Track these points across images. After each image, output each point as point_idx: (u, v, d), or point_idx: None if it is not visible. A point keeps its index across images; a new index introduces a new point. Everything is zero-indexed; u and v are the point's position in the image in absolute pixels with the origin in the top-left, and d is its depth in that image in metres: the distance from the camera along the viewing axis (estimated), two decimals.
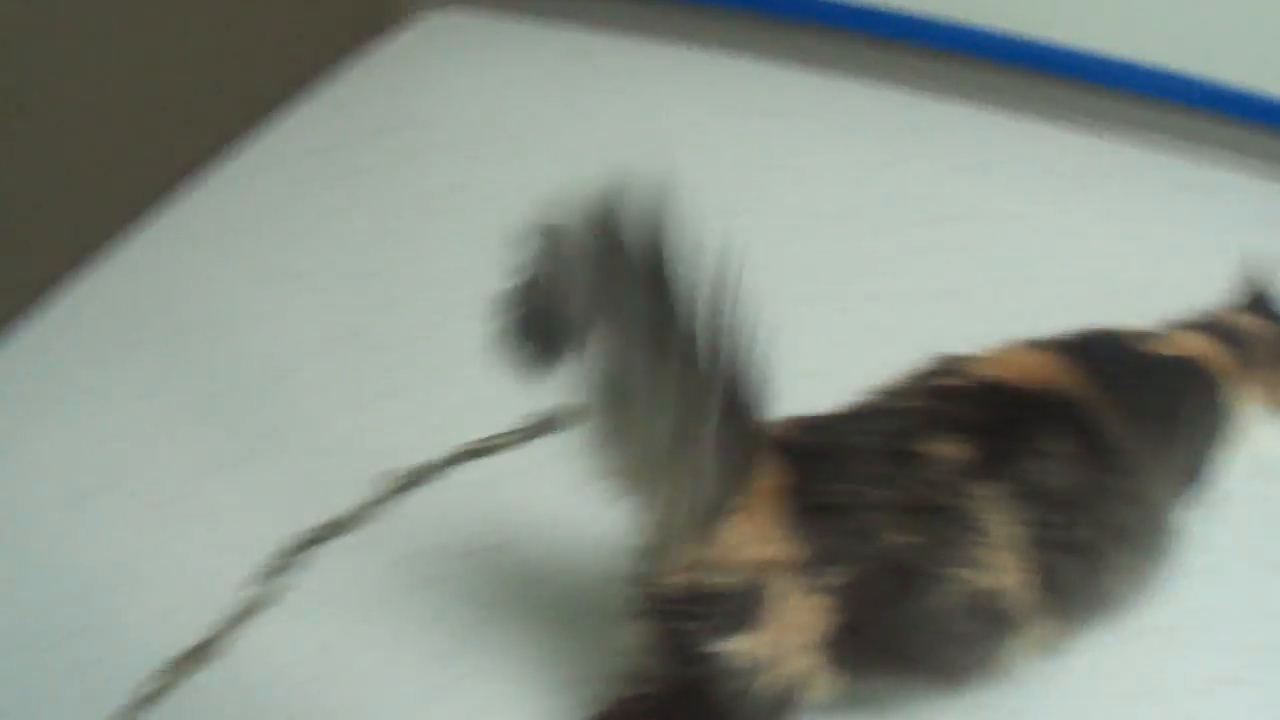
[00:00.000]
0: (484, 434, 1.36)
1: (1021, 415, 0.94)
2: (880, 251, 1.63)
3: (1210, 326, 1.08)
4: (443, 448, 1.35)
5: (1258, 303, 1.13)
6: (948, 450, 0.90)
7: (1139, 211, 1.69)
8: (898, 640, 0.93)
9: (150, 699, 1.14)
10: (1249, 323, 1.09)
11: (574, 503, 0.94)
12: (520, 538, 1.28)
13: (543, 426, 1.34)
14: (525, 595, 1.24)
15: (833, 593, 0.88)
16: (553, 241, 0.83)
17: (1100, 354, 1.01)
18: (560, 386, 0.87)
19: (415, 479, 1.34)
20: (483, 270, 0.83)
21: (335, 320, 1.57)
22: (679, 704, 0.93)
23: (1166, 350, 1.04)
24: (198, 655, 1.18)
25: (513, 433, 1.36)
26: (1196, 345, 1.05)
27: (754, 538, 0.88)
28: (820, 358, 1.21)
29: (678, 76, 1.99)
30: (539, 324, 0.86)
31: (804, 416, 0.94)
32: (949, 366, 0.98)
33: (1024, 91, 1.85)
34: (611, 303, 0.82)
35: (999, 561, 0.90)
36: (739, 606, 0.88)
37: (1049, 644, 0.97)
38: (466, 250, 1.43)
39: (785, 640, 0.89)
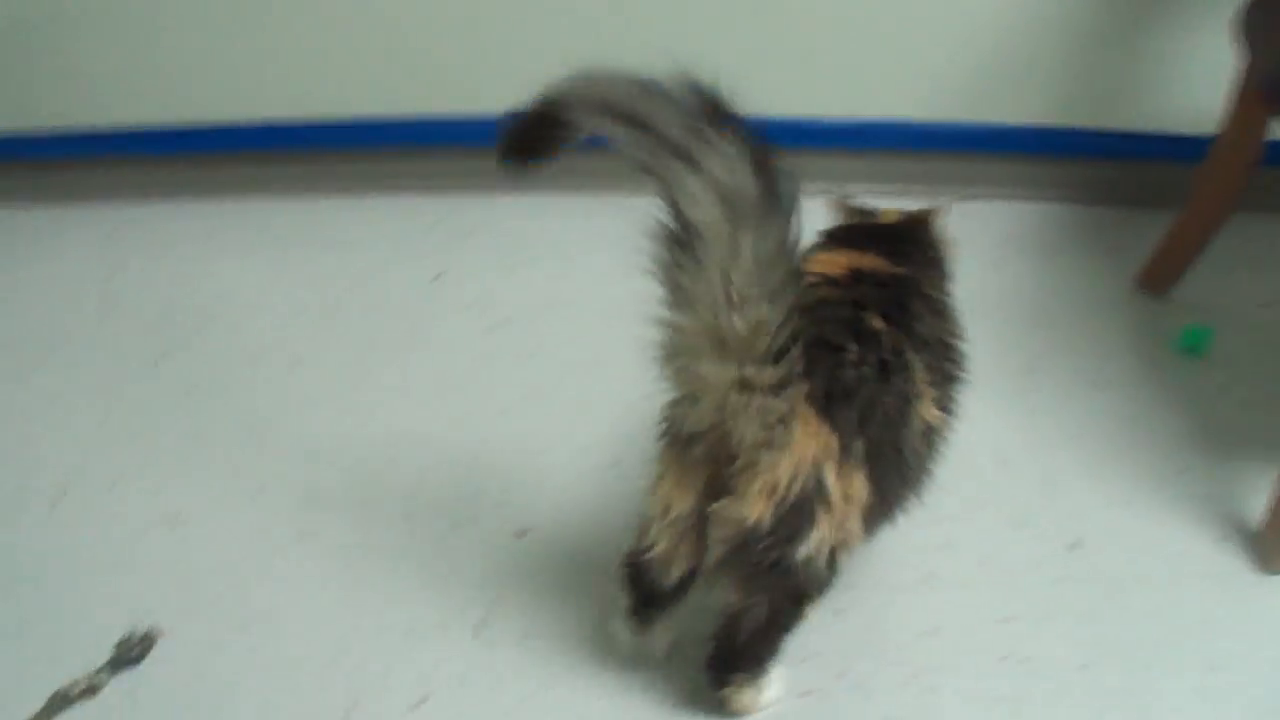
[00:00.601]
0: None
1: (888, 289, 1.27)
2: None
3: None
4: None
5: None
6: (878, 324, 1.20)
7: None
8: (895, 480, 1.21)
9: None
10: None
11: None
12: None
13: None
14: None
15: (862, 463, 1.13)
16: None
17: (872, 236, 1.39)
18: None
19: None
20: None
21: None
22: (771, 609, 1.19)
23: (897, 219, 1.45)
24: None
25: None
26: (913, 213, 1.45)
27: (808, 437, 1.10)
28: None
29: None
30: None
31: None
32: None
33: None
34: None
35: (926, 395, 1.22)
36: (810, 506, 1.11)
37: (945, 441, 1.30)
38: None
39: (842, 517, 1.13)
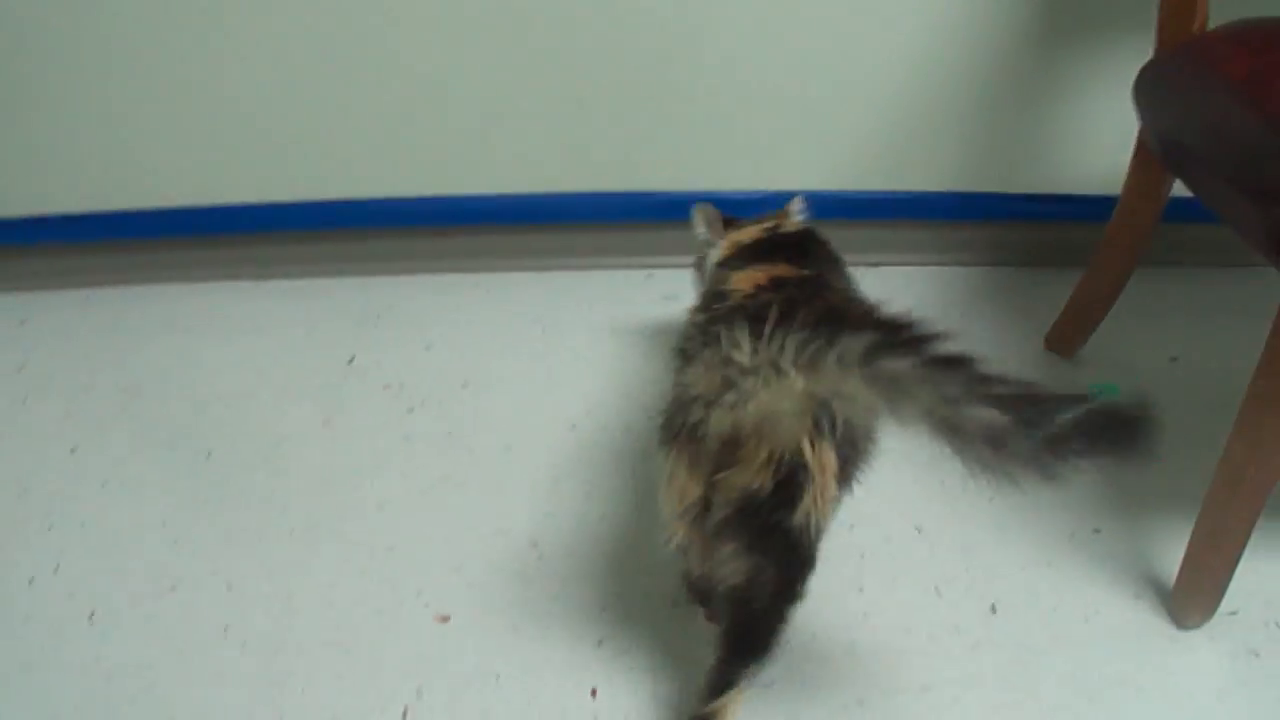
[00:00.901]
0: None
1: (809, 288, 1.45)
2: None
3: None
4: None
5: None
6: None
7: None
8: (853, 451, 1.32)
9: None
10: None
11: None
12: None
13: None
14: None
15: (834, 432, 1.24)
16: None
17: (774, 247, 1.61)
18: None
19: None
20: None
21: None
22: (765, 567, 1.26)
23: (791, 227, 1.70)
24: None
25: None
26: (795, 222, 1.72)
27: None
28: None
29: None
30: None
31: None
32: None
33: None
34: None
35: None
36: (800, 475, 1.22)
37: None
38: None
39: (822, 485, 1.24)
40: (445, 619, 1.56)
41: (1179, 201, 1.67)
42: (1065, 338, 2.02)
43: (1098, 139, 2.11)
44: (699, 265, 1.77)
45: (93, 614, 1.59)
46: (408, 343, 2.09)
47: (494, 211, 2.18)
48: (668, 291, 2.18)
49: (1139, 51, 1.66)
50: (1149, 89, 1.58)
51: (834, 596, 1.58)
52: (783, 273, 1.47)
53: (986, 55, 2.04)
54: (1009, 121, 2.12)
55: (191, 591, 1.62)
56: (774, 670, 1.41)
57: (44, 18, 1.93)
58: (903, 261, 2.26)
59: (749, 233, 1.68)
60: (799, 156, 2.12)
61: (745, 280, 1.46)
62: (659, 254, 2.22)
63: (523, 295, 2.20)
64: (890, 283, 2.16)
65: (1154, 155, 1.62)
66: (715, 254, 1.68)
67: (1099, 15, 1.98)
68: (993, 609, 1.58)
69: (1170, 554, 1.60)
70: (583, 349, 2.07)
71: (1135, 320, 1.99)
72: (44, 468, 1.84)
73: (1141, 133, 1.70)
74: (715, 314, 1.40)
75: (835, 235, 1.69)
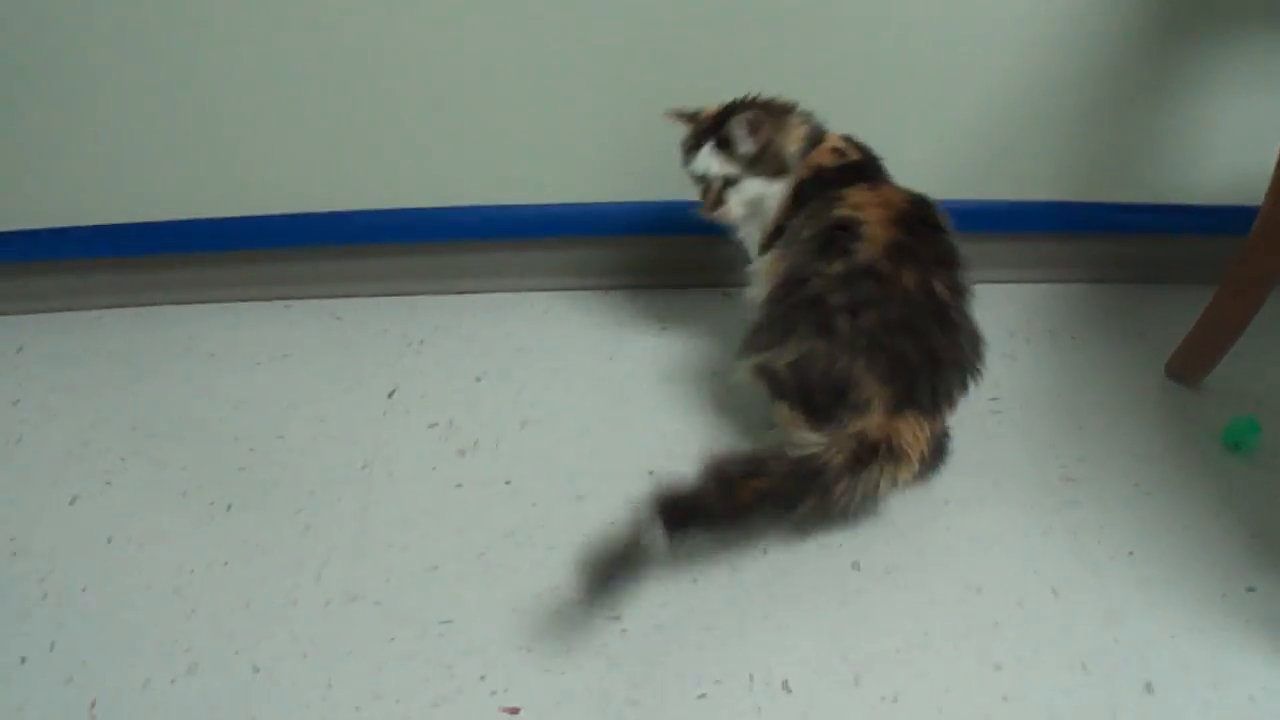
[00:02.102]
0: None
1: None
2: None
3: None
4: None
5: None
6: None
7: None
8: None
9: None
10: None
11: None
12: None
13: None
14: None
15: None
16: None
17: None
18: None
19: None
20: None
21: None
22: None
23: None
24: None
25: None
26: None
27: None
28: None
29: None
30: None
31: None
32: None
33: None
34: None
35: None
36: None
37: None
38: None
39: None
40: (515, 711, 1.33)
41: None
42: (1190, 365, 1.85)
43: (1218, 143, 1.93)
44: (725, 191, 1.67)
45: (94, 703, 1.35)
46: (457, 373, 1.86)
47: (552, 222, 1.95)
48: None
49: (1267, 47, 1.58)
50: None
51: (968, 674, 1.36)
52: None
53: (1096, 50, 1.85)
54: (1119, 126, 1.93)
55: (211, 675, 1.38)
56: None
57: (50, 19, 1.72)
58: (1007, 279, 2.07)
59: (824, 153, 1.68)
60: (897, 160, 1.91)
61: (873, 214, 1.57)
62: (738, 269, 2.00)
63: (588, 318, 1.97)
64: (995, 300, 1.94)
65: None
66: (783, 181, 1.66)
67: (1223, 5, 1.79)
68: (1148, 688, 1.37)
69: None
70: (658, 378, 1.84)
71: (1262, 346, 1.82)
72: (39, 521, 1.60)
73: None
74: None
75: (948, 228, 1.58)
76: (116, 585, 1.50)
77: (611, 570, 1.35)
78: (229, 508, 1.60)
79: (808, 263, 1.55)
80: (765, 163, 1.63)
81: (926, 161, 1.92)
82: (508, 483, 1.64)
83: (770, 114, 1.64)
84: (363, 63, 1.79)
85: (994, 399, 1.73)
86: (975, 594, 1.48)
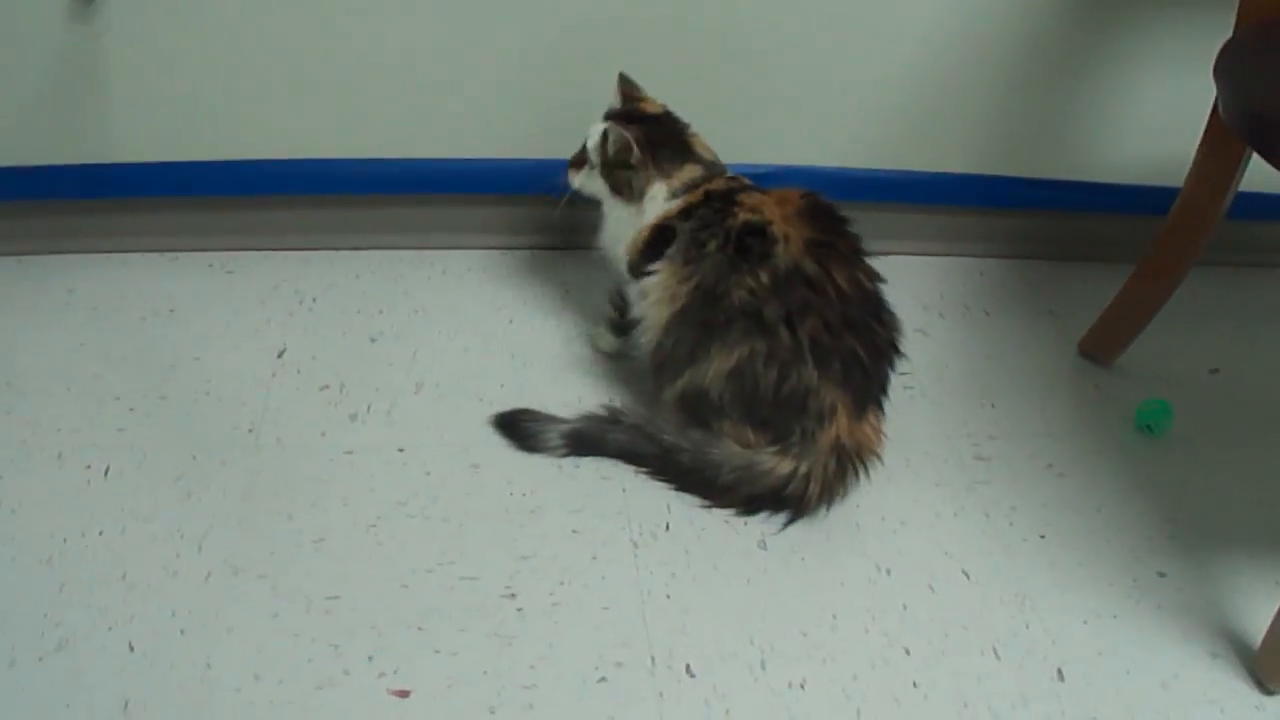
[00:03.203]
0: None
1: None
2: None
3: None
4: None
5: None
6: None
7: None
8: None
9: None
10: None
11: None
12: None
13: None
14: None
15: None
16: None
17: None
18: None
19: None
20: None
21: None
22: None
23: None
24: None
25: None
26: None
27: None
28: None
29: None
30: None
31: None
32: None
33: None
34: None
35: None
36: None
37: None
38: None
39: None
40: (404, 694, 1.26)
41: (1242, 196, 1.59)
42: (1105, 344, 1.85)
43: (1139, 123, 1.92)
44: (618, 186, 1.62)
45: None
46: (350, 334, 1.77)
47: (455, 178, 1.87)
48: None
49: (1192, 28, 1.58)
50: (1234, 64, 1.46)
51: (876, 662, 1.32)
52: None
53: (1019, 24, 1.82)
54: (1040, 101, 1.91)
55: (82, 652, 1.28)
56: None
57: None
58: (922, 251, 2.04)
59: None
60: (813, 130, 1.86)
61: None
62: None
63: (487, 278, 1.89)
64: (909, 273, 1.92)
65: (1238, 133, 1.47)
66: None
67: None
68: (1059, 674, 1.35)
69: (1243, 598, 1.46)
70: (560, 344, 1.77)
71: (1172, 325, 1.80)
72: None
73: (1218, 112, 1.53)
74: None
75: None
76: None
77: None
78: (106, 472, 1.50)
79: (724, 275, 1.47)
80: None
81: (846, 132, 1.89)
82: (400, 450, 1.56)
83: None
84: (254, 6, 1.69)
85: (905, 374, 1.68)
86: (885, 575, 1.44)
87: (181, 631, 1.31)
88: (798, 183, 1.56)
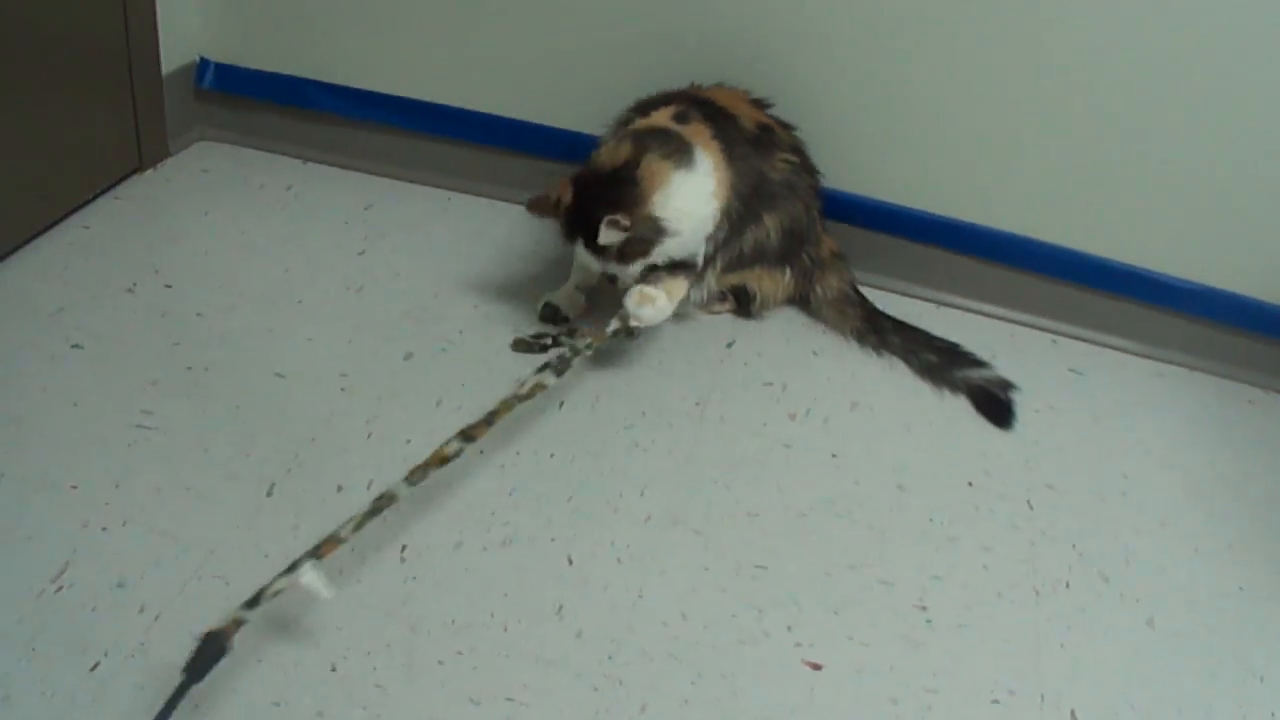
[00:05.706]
0: None
1: None
2: None
3: None
4: None
5: None
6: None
7: None
8: None
9: None
10: None
11: None
12: None
13: None
14: None
15: None
16: None
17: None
18: None
19: None
20: None
21: None
22: None
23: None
24: None
25: None
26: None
27: None
28: None
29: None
30: None
31: None
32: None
33: None
34: None
35: None
36: None
37: None
38: None
39: None
40: (817, 667, 1.33)
41: None
42: None
43: None
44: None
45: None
46: (794, 341, 1.89)
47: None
48: (1073, 364, 1.91)
49: None
50: None
51: None
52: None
53: None
54: None
55: (525, 551, 1.44)
56: None
57: None
58: None
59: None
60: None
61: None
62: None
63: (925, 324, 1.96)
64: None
65: None
66: None
67: None
68: None
69: None
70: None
71: None
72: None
73: None
74: None
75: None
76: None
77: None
78: (560, 405, 1.67)
79: (755, 166, 1.75)
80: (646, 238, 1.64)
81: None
82: (834, 455, 1.65)
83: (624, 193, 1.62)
84: None
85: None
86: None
87: (618, 560, 1.43)
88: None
